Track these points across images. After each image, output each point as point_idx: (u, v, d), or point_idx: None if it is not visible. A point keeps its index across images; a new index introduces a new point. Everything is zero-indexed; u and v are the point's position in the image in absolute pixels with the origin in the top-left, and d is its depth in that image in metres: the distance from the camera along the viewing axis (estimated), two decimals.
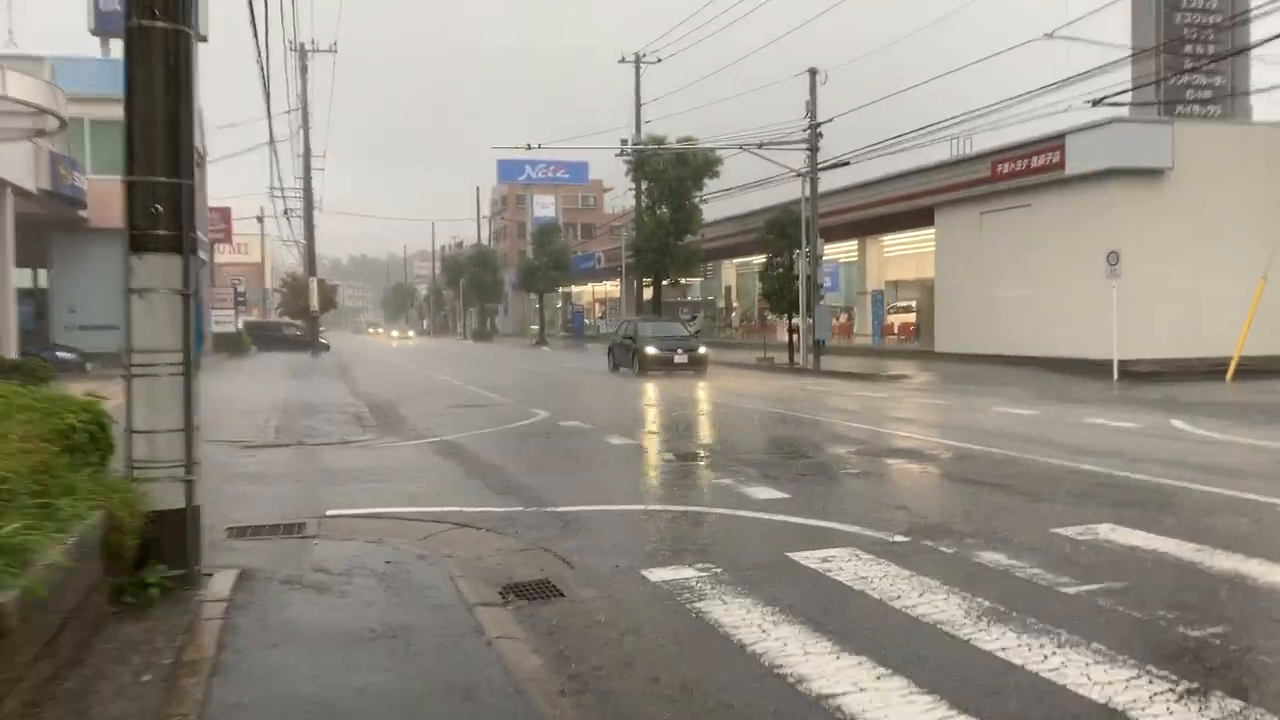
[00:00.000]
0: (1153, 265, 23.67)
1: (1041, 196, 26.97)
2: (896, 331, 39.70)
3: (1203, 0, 28.03)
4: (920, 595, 5.48)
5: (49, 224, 28.46)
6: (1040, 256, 26.79)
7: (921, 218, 32.83)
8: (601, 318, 69.32)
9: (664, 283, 42.48)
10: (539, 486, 9.34)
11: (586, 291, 79.82)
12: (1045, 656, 4.47)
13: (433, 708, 3.94)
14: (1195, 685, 4.09)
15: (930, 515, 7.77)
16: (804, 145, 29.30)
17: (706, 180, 38.87)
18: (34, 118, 17.46)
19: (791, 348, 30.83)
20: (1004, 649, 4.59)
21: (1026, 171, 27.13)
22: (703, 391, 21.09)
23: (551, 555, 6.65)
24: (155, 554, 5.30)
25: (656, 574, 6.06)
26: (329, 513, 7.98)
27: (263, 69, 21.41)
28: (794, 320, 30.66)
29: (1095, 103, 19.70)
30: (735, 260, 53.65)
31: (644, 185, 40.82)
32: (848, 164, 28.63)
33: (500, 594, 5.71)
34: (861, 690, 4.12)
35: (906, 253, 41.58)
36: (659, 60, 43.90)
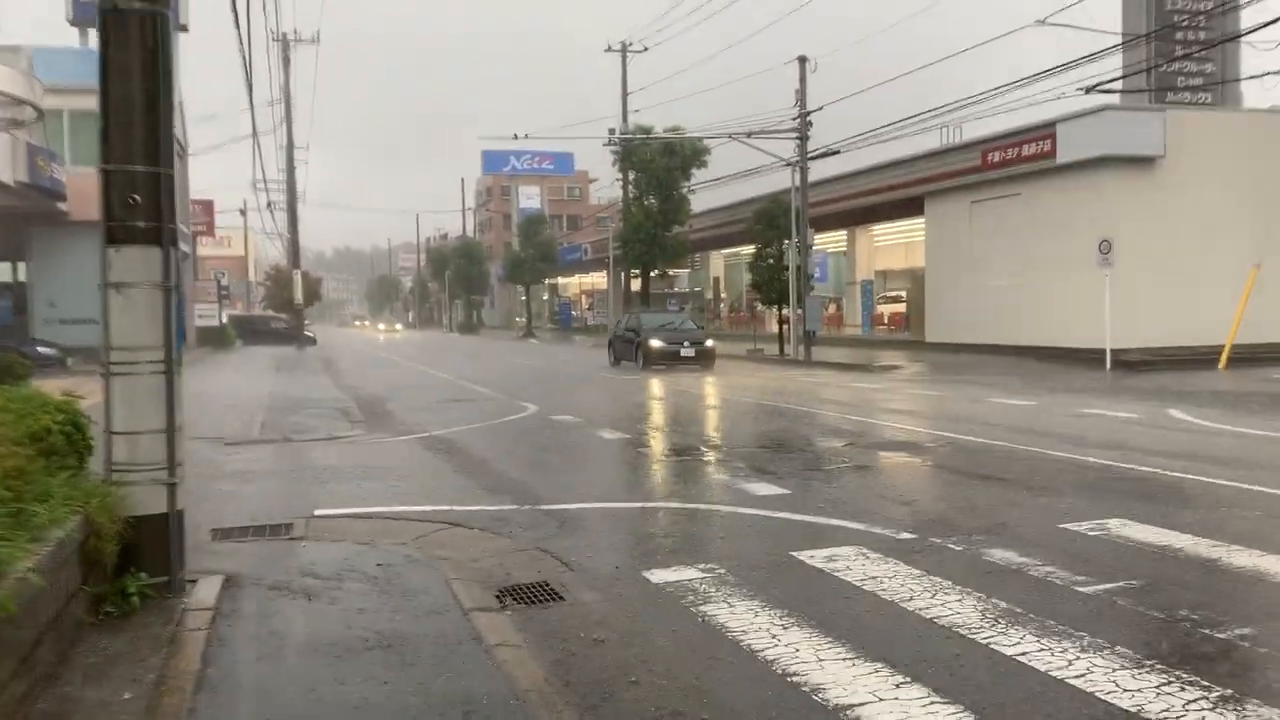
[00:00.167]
0: (1144, 254, 23.55)
1: (1032, 185, 26.82)
2: (886, 322, 39.58)
3: None
4: (933, 596, 5.30)
5: (27, 217, 28.01)
6: (1031, 246, 26.65)
7: (911, 207, 32.65)
8: (589, 309, 68.94)
9: (652, 274, 42.23)
10: (533, 483, 9.13)
11: (573, 283, 79.44)
12: (1069, 661, 4.29)
13: None
14: (1229, 692, 3.91)
15: (935, 511, 7.60)
16: (794, 134, 29.10)
17: (695, 170, 38.61)
18: (10, 108, 17.11)
19: (782, 339, 30.67)
20: (1025, 654, 4.41)
21: (1017, 160, 26.97)
22: (695, 385, 20.90)
23: (549, 556, 6.44)
24: (136, 561, 5.06)
25: (658, 575, 5.86)
26: (317, 512, 7.75)
27: (245, 60, 21.07)
28: (784, 311, 30.48)
29: (1088, 90, 19.54)
30: (723, 251, 53.40)
31: (631, 176, 40.56)
32: (838, 153, 28.44)
33: (497, 597, 5.51)
34: (881, 700, 3.93)
35: (896, 242, 41.44)
36: (645, 49, 43.68)
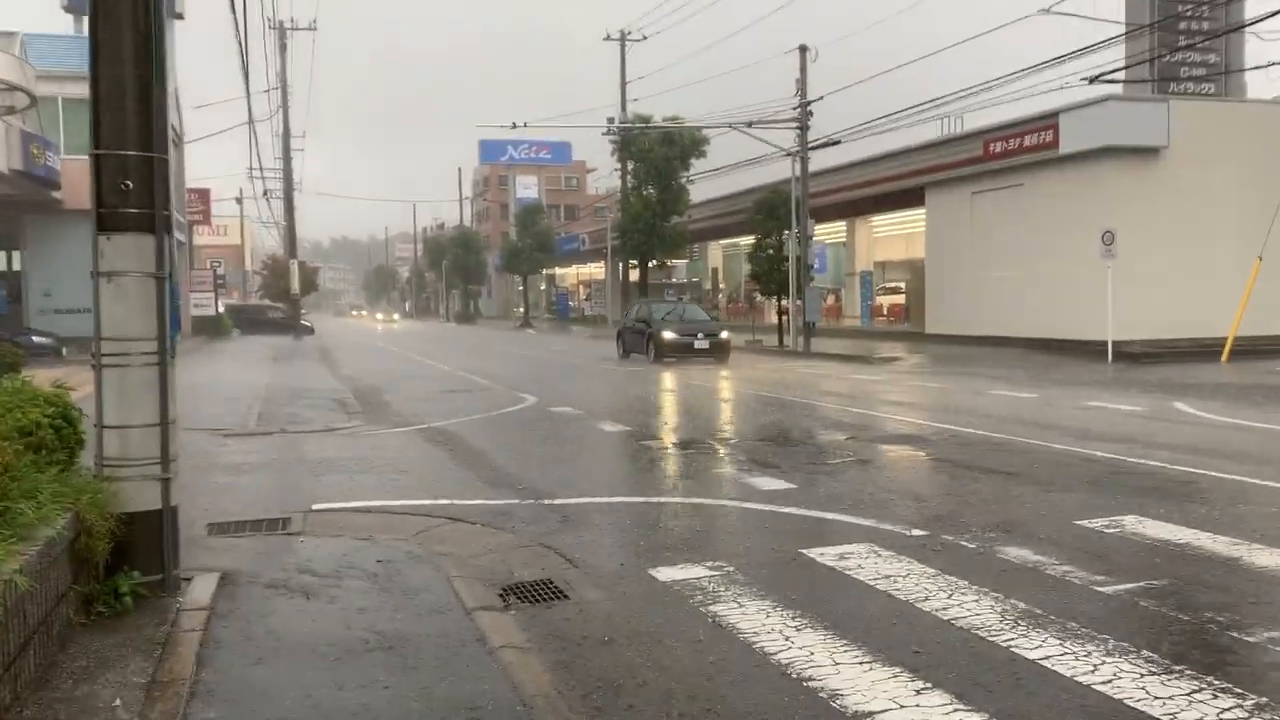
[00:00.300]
0: (1147, 245, 23.40)
1: (1034, 176, 26.65)
2: (886, 313, 39.43)
3: None
4: (949, 596, 5.15)
5: (22, 205, 27.80)
6: (1033, 237, 26.50)
7: (911, 198, 32.48)
8: (586, 300, 68.68)
9: (650, 264, 42.04)
10: (535, 477, 8.97)
11: (571, 274, 79.19)
12: (1094, 666, 4.14)
13: None
14: (1264, 700, 3.77)
15: (944, 506, 7.45)
16: (794, 124, 28.89)
17: (694, 160, 38.38)
18: (2, 94, 16.87)
19: (781, 330, 30.50)
20: (1048, 658, 4.26)
21: (1019, 150, 26.79)
22: (699, 377, 20.74)
23: (552, 552, 6.29)
24: (129, 559, 4.90)
25: (665, 573, 5.71)
26: (315, 506, 7.59)
27: (241, 47, 20.86)
28: (784, 302, 30.31)
29: (1091, 80, 19.36)
30: (722, 241, 53.21)
31: (630, 165, 40.34)
32: (839, 143, 28.24)
33: (500, 596, 5.36)
34: (901, 707, 3.79)
35: (896, 233, 41.27)
36: (644, 38, 43.42)
